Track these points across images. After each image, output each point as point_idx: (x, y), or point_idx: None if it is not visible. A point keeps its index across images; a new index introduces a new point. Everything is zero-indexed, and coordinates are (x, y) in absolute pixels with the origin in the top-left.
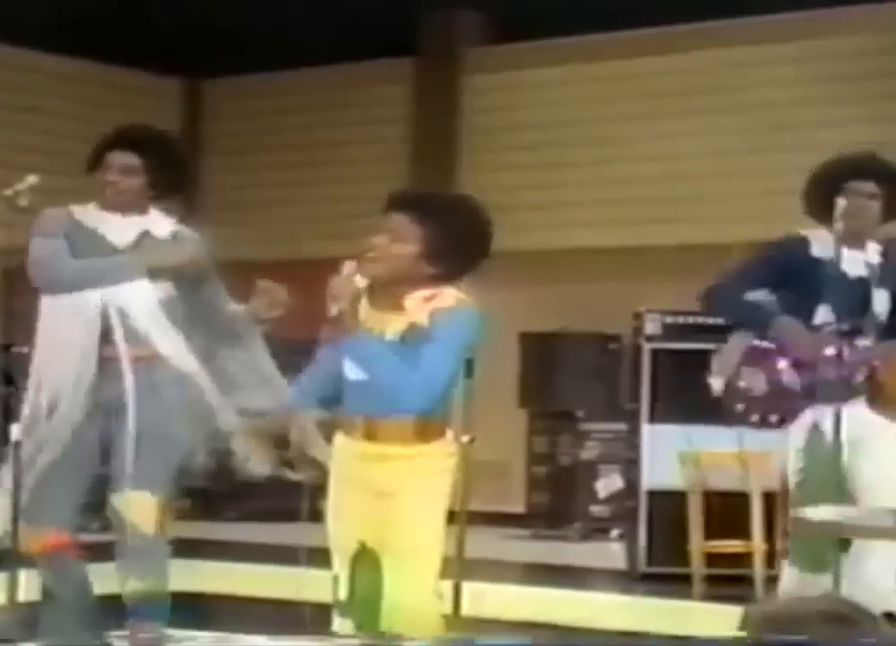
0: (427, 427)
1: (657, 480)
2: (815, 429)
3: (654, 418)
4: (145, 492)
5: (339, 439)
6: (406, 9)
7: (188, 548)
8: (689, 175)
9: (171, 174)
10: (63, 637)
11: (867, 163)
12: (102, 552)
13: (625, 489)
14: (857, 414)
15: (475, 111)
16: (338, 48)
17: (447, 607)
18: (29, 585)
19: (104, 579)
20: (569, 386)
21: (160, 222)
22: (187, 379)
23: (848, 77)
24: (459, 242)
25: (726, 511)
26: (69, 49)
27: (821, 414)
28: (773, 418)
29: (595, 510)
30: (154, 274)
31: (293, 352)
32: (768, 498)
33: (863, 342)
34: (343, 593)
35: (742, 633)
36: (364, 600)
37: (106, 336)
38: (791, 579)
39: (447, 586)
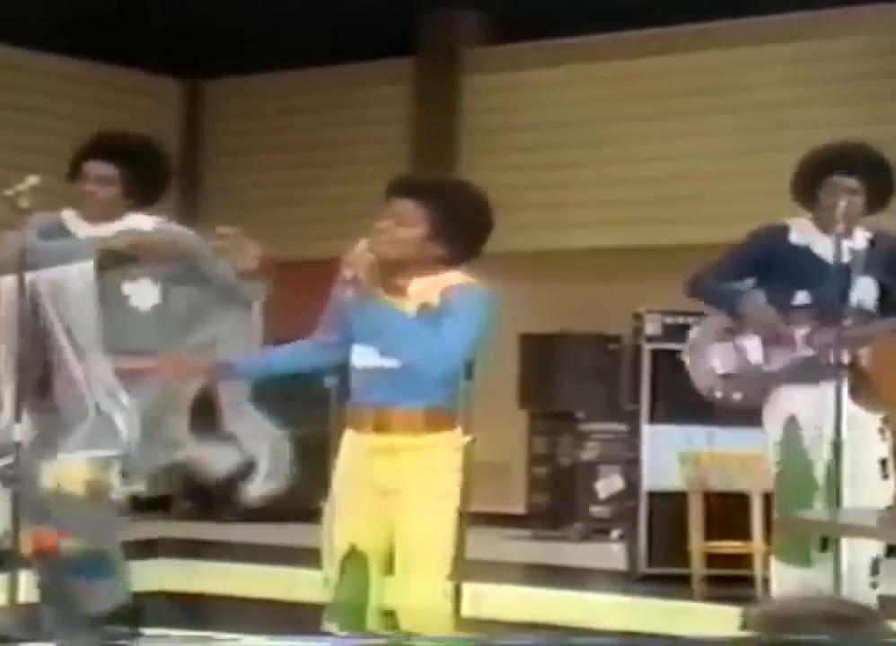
0: (437, 416)
1: (657, 481)
2: (792, 421)
3: (654, 419)
4: (77, 456)
5: (347, 435)
6: (406, 9)
7: (188, 549)
8: (690, 175)
9: (149, 182)
10: (61, 637)
11: (850, 158)
12: None
13: (625, 490)
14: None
15: (475, 111)
16: (339, 48)
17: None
18: (29, 586)
19: None
20: (569, 386)
21: (140, 222)
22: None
23: (849, 78)
24: (463, 223)
25: (726, 512)
26: (69, 50)
27: (797, 406)
28: (737, 396)
29: (595, 510)
30: (108, 257)
31: None
32: (769, 498)
33: (838, 327)
34: (331, 595)
35: (744, 634)
36: (350, 604)
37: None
38: (779, 573)
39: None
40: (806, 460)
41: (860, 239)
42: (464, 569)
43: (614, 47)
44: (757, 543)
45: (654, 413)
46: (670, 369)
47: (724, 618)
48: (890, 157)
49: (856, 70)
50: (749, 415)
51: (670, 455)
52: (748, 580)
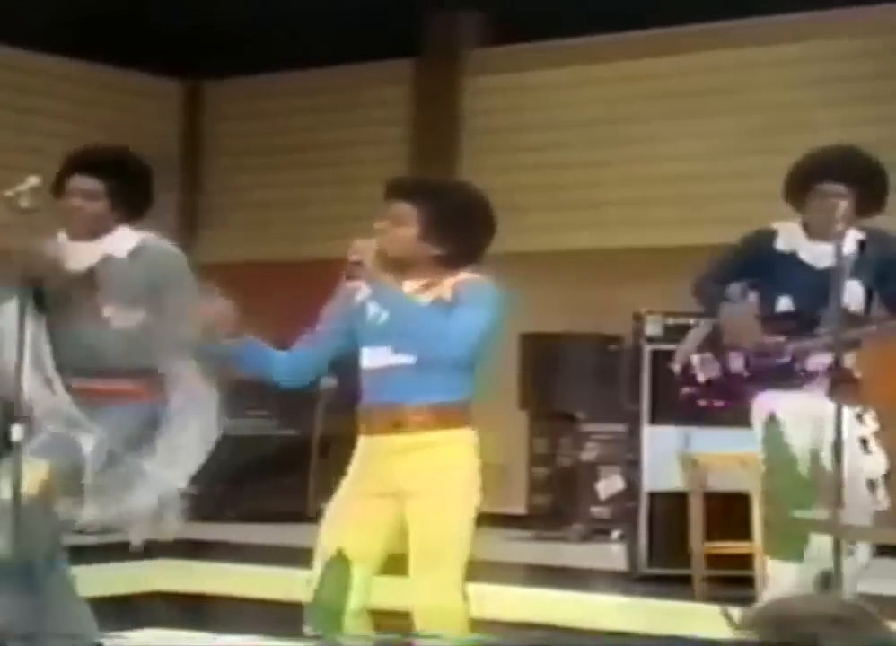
0: (452, 413)
1: (658, 481)
2: (771, 419)
3: (654, 419)
4: (41, 459)
5: (360, 441)
6: (407, 10)
7: (185, 549)
8: (691, 176)
9: (134, 195)
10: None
11: (838, 164)
12: (103, 553)
13: (625, 490)
14: (816, 403)
15: (476, 113)
16: (340, 48)
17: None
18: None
19: (106, 581)
20: (570, 387)
21: (123, 241)
22: None
23: (857, 78)
24: (457, 222)
25: (727, 513)
26: (70, 50)
27: (776, 404)
28: (718, 403)
29: (596, 511)
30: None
31: None
32: None
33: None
34: (310, 597)
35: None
36: (328, 606)
37: None
38: (775, 571)
39: None
40: (789, 456)
41: (850, 242)
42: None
43: (616, 47)
44: (757, 543)
45: (655, 413)
46: (670, 370)
47: (724, 619)
48: (884, 160)
49: (864, 70)
50: (749, 416)
51: (670, 456)
52: (748, 581)
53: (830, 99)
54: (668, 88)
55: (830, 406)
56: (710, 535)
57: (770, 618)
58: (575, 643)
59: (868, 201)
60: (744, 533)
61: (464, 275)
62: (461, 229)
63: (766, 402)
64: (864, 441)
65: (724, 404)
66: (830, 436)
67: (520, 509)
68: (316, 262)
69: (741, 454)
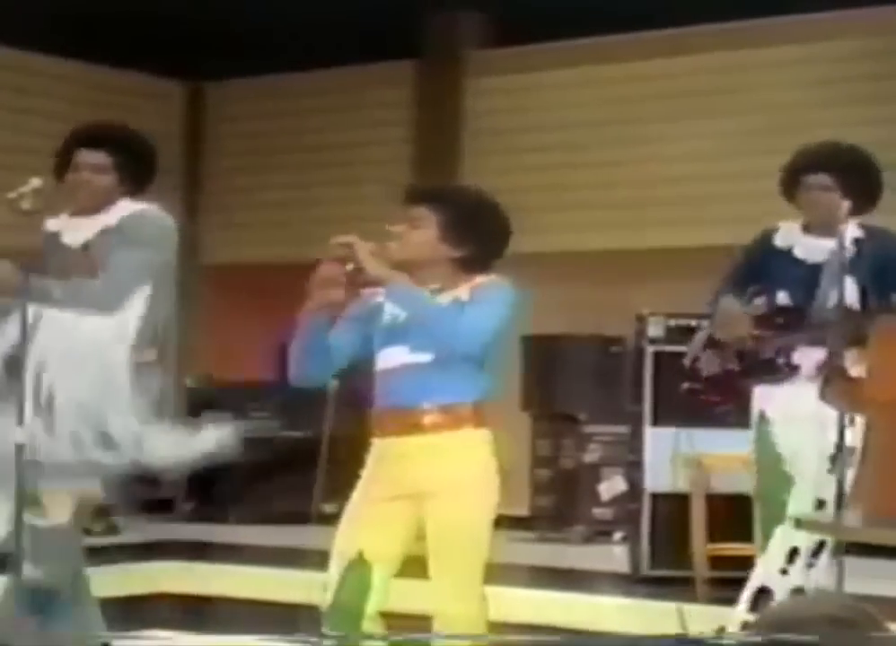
0: (468, 413)
1: (660, 483)
2: (762, 418)
3: (656, 421)
4: (67, 487)
5: (374, 443)
6: (409, 11)
7: (190, 551)
8: (693, 177)
9: (140, 169)
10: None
11: (822, 156)
12: (107, 555)
13: (628, 492)
14: (803, 402)
15: (478, 114)
16: (341, 50)
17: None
18: None
19: (112, 582)
20: (572, 389)
21: (118, 212)
22: None
23: (861, 78)
24: (475, 224)
25: (729, 514)
26: (70, 51)
27: (766, 402)
28: (716, 398)
29: (598, 512)
30: None
31: None
32: None
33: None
34: (329, 600)
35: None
36: (347, 609)
37: None
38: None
39: None
40: (774, 455)
41: (846, 237)
42: None
43: (618, 48)
44: (758, 545)
45: (657, 415)
46: (672, 371)
47: (726, 620)
48: (888, 160)
49: (867, 71)
50: (742, 414)
51: (672, 457)
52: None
53: (834, 99)
54: (670, 89)
55: (821, 406)
56: (712, 536)
57: (773, 620)
58: (576, 645)
59: (860, 193)
60: (746, 534)
61: (481, 278)
62: (478, 231)
63: (758, 400)
64: (833, 459)
65: (722, 399)
66: (816, 436)
67: (522, 510)
68: (318, 263)
69: (744, 455)
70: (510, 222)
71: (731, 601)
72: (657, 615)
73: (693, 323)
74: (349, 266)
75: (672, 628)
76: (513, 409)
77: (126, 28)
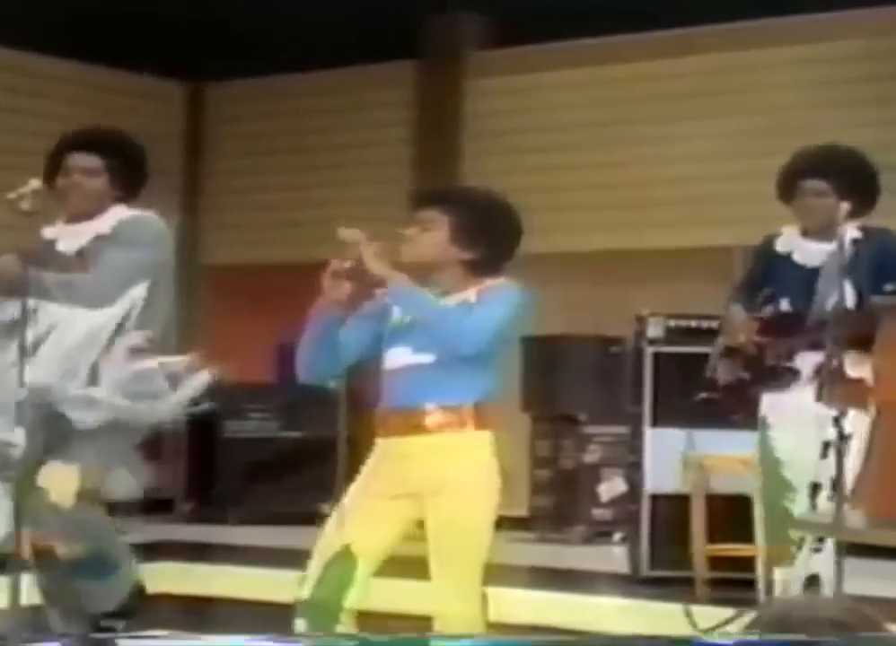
0: (469, 413)
1: (660, 483)
2: (762, 422)
3: (656, 421)
4: (64, 462)
5: (377, 444)
6: (409, 12)
7: (190, 552)
8: (694, 178)
9: (132, 173)
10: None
11: (817, 161)
12: None
13: (627, 492)
14: (803, 407)
15: (479, 115)
16: (342, 51)
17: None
18: (31, 588)
19: None
20: (571, 389)
21: (112, 219)
22: None
23: (861, 80)
24: (485, 226)
25: (729, 515)
26: (70, 52)
27: (769, 407)
28: (732, 407)
29: (598, 513)
30: None
31: None
32: None
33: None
34: (306, 592)
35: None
36: (326, 600)
37: None
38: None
39: None
40: (773, 459)
41: (844, 240)
42: None
43: (619, 49)
44: (759, 545)
45: (657, 416)
46: (672, 372)
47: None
48: (891, 162)
49: (868, 72)
50: (750, 418)
51: (672, 458)
52: (750, 584)
53: (836, 101)
54: (670, 89)
55: (820, 410)
56: (712, 537)
57: (770, 622)
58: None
59: (856, 197)
60: (746, 535)
61: (490, 281)
62: (489, 233)
63: (764, 406)
64: (826, 445)
65: (737, 408)
66: (815, 442)
67: (522, 511)
68: (318, 264)
69: (745, 456)
70: (521, 223)
71: (731, 602)
72: (657, 616)
73: (693, 324)
74: (347, 264)
75: (671, 629)
76: (512, 410)
77: (126, 28)
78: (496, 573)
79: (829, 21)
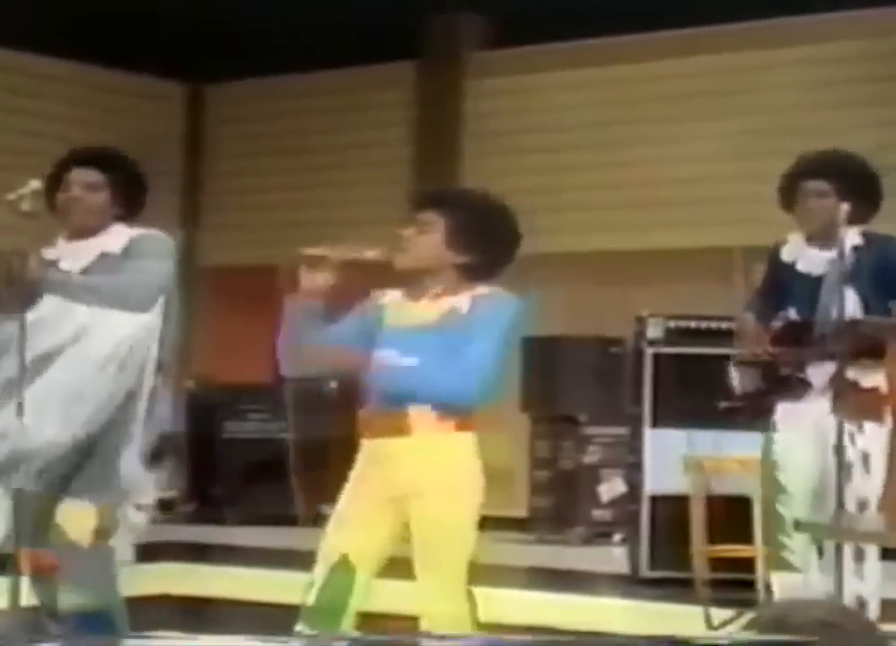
0: (452, 415)
1: (660, 484)
2: (772, 427)
3: (656, 422)
4: (84, 501)
5: (364, 443)
6: (409, 12)
7: (191, 552)
8: (692, 179)
9: (133, 189)
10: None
11: (819, 162)
12: None
13: (627, 493)
14: (811, 416)
15: (479, 115)
16: (342, 51)
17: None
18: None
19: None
20: (571, 390)
21: (118, 237)
22: None
23: (860, 80)
24: (482, 230)
25: (729, 515)
26: (71, 53)
27: (780, 414)
28: (751, 416)
29: (598, 514)
30: None
31: None
32: None
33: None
34: (311, 599)
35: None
36: (328, 610)
37: None
38: (776, 583)
39: None
40: (771, 461)
41: (845, 246)
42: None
43: (619, 50)
44: (759, 546)
45: (657, 416)
46: (672, 372)
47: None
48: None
49: (866, 73)
50: (731, 422)
51: (672, 458)
52: (750, 584)
53: (837, 102)
54: (671, 90)
55: (827, 420)
56: (712, 538)
57: (767, 623)
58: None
59: (858, 200)
60: (746, 536)
61: (483, 288)
62: (486, 237)
63: (777, 412)
64: (865, 458)
65: (758, 417)
66: (819, 451)
67: (521, 512)
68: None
69: (745, 457)
70: (519, 227)
71: (730, 603)
72: (657, 617)
73: (693, 325)
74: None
75: (671, 629)
76: (512, 410)
77: (126, 29)
78: (495, 574)
79: (830, 22)
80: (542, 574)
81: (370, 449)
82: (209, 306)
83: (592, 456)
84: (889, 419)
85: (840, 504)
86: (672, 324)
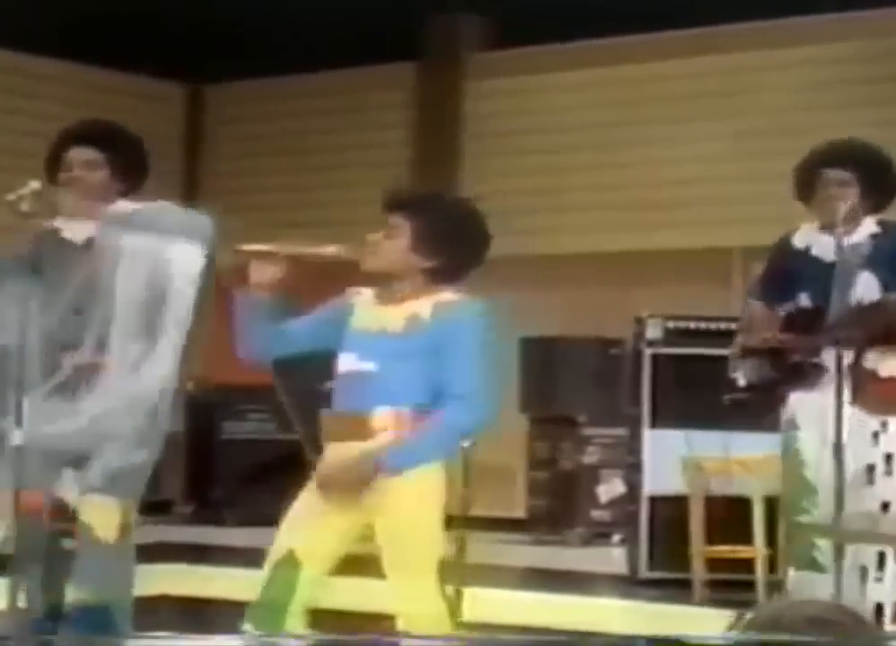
0: (412, 420)
1: (658, 485)
2: (790, 423)
3: (655, 423)
4: (110, 497)
5: (325, 446)
6: (409, 13)
7: (189, 553)
8: (691, 179)
9: (133, 165)
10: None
11: (840, 151)
12: None
13: (626, 494)
14: (829, 406)
15: (478, 116)
16: (342, 52)
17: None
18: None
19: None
20: (570, 391)
21: (124, 208)
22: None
23: (856, 81)
24: (447, 235)
25: (728, 516)
26: (70, 53)
27: (797, 407)
28: (759, 408)
29: (596, 514)
30: None
31: None
32: (770, 502)
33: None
34: (256, 594)
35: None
36: (270, 606)
37: None
38: (791, 579)
39: (448, 591)
40: (798, 461)
41: (863, 233)
42: (465, 573)
43: (620, 51)
44: (758, 547)
45: (656, 417)
46: (671, 373)
47: (724, 623)
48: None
49: (863, 73)
50: (750, 420)
51: (671, 459)
52: (749, 585)
53: (839, 102)
54: (670, 91)
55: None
56: (711, 538)
57: (760, 621)
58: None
59: (876, 190)
60: (745, 537)
61: (446, 295)
62: (452, 242)
63: (791, 405)
64: (871, 468)
65: (767, 409)
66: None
67: (520, 512)
68: (319, 265)
69: (744, 458)
70: (487, 231)
71: (729, 603)
72: (655, 618)
73: (692, 325)
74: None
75: (670, 630)
76: (511, 411)
77: (125, 29)
78: (495, 575)
79: (830, 23)
80: (541, 575)
81: (332, 451)
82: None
83: (590, 456)
84: None
85: (840, 505)
86: (671, 325)
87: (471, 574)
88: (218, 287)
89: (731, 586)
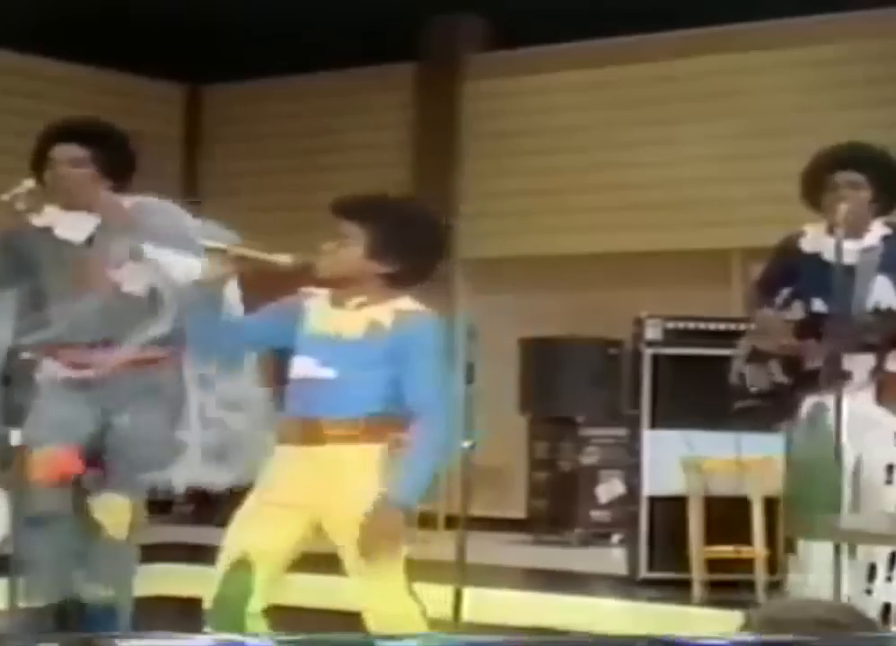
0: (364, 427)
1: (658, 485)
2: (811, 422)
3: (654, 424)
4: (122, 495)
5: (278, 450)
6: (407, 14)
7: (189, 553)
8: (691, 180)
9: (118, 160)
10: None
11: (851, 154)
12: None
13: (626, 494)
14: (857, 406)
15: (477, 117)
16: (340, 53)
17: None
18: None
19: None
20: (570, 391)
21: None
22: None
23: (853, 82)
24: (403, 240)
25: (727, 517)
26: (69, 54)
27: (816, 409)
28: (771, 415)
29: (596, 515)
30: None
31: None
32: (769, 503)
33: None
34: (211, 596)
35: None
36: (227, 608)
37: None
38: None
39: (447, 592)
40: (816, 462)
41: (875, 236)
42: (465, 574)
43: (619, 52)
44: (757, 548)
45: (655, 418)
46: (670, 374)
47: (724, 623)
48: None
49: (864, 74)
50: (749, 420)
51: (670, 460)
52: (748, 585)
53: (839, 103)
54: (670, 92)
55: (872, 412)
56: (710, 539)
57: (761, 621)
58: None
59: (886, 192)
60: (744, 537)
61: (405, 303)
62: (407, 248)
63: (807, 406)
64: (890, 469)
65: (780, 415)
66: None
67: (520, 513)
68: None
69: (744, 459)
70: (443, 235)
71: (728, 604)
72: (655, 618)
73: (691, 326)
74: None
75: (669, 630)
76: (510, 412)
77: (125, 30)
78: (494, 575)
79: (830, 24)
80: (540, 575)
81: (282, 455)
82: None
83: (590, 457)
84: None
85: (837, 504)
86: (670, 325)
87: (471, 574)
88: None
89: (730, 586)
